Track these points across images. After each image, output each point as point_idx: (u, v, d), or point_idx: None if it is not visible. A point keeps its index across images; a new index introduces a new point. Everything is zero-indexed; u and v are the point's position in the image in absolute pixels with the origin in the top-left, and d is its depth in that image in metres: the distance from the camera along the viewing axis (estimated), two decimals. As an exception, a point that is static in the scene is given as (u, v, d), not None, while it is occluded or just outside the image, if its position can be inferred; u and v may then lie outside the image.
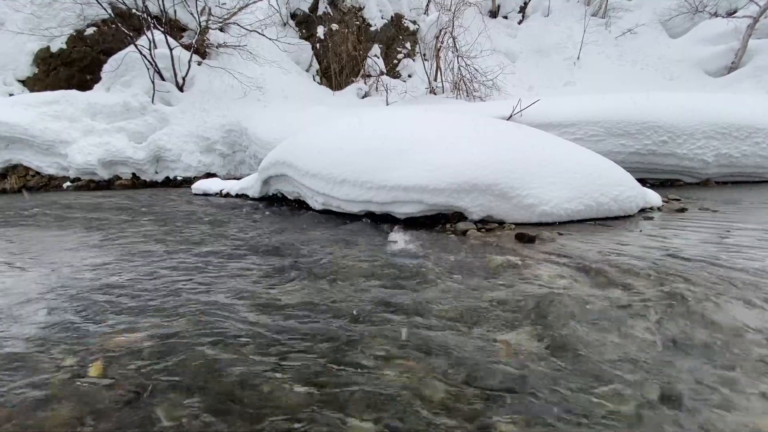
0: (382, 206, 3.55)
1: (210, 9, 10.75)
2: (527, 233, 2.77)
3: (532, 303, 1.70)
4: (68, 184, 8.59)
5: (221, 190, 6.46)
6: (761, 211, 3.66)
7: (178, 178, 8.94)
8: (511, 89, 11.56)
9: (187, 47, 10.01)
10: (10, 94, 9.53)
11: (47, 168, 8.46)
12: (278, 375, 1.26)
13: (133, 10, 9.60)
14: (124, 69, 9.50)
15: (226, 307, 1.79)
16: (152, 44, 9.38)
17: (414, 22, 13.30)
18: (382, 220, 3.62)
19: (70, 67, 10.14)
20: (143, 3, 9.52)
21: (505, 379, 1.20)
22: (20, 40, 9.76)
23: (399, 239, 2.96)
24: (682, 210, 3.70)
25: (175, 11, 10.49)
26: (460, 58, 11.37)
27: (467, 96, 11.23)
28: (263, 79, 10.42)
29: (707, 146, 5.79)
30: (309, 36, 12.38)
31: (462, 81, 11.33)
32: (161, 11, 10.05)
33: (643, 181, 4.96)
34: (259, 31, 10.75)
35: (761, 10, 10.71)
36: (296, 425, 1.04)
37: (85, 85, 9.82)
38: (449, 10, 12.29)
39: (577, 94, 9.66)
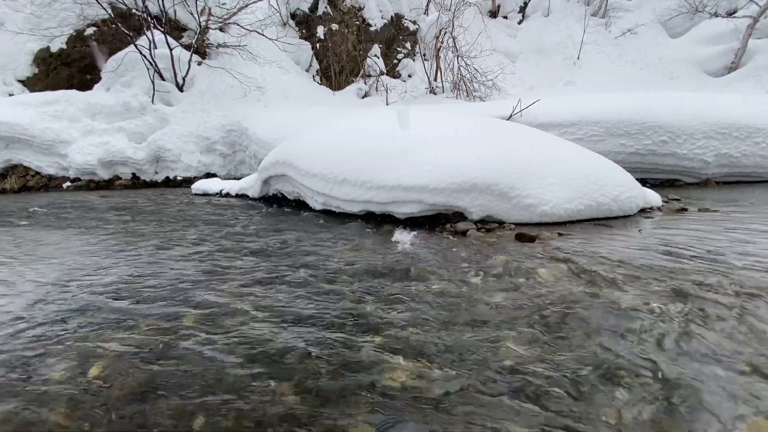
0: (382, 206, 3.55)
1: (210, 9, 10.75)
2: (527, 233, 2.77)
3: (532, 303, 1.70)
4: (68, 184, 8.59)
5: (221, 190, 6.46)
6: (762, 211, 3.66)
7: (178, 178, 8.94)
8: (511, 89, 11.56)
9: (187, 47, 10.02)
10: (10, 94, 9.53)
11: (47, 168, 8.46)
12: (275, 378, 1.26)
13: (133, 10, 9.60)
14: (124, 69, 9.51)
15: (225, 309, 1.79)
16: (152, 44, 9.38)
17: (414, 22, 13.30)
18: (382, 221, 3.62)
19: (70, 67, 10.15)
20: (143, 3, 9.52)
21: (507, 380, 1.20)
22: (20, 40, 9.76)
23: (399, 239, 2.96)
24: (682, 210, 3.70)
25: (175, 11, 10.48)
26: (460, 58, 11.37)
27: (467, 96, 11.23)
28: (263, 79, 10.42)
29: (707, 146, 5.80)
30: (309, 36, 12.37)
31: (462, 81, 11.33)
32: (161, 11, 10.04)
33: (643, 181, 4.96)
34: (259, 31, 10.74)
35: (761, 10, 10.72)
36: (293, 421, 1.04)
37: (85, 85, 9.82)
38: (449, 10, 12.29)
39: (577, 93, 9.66)
